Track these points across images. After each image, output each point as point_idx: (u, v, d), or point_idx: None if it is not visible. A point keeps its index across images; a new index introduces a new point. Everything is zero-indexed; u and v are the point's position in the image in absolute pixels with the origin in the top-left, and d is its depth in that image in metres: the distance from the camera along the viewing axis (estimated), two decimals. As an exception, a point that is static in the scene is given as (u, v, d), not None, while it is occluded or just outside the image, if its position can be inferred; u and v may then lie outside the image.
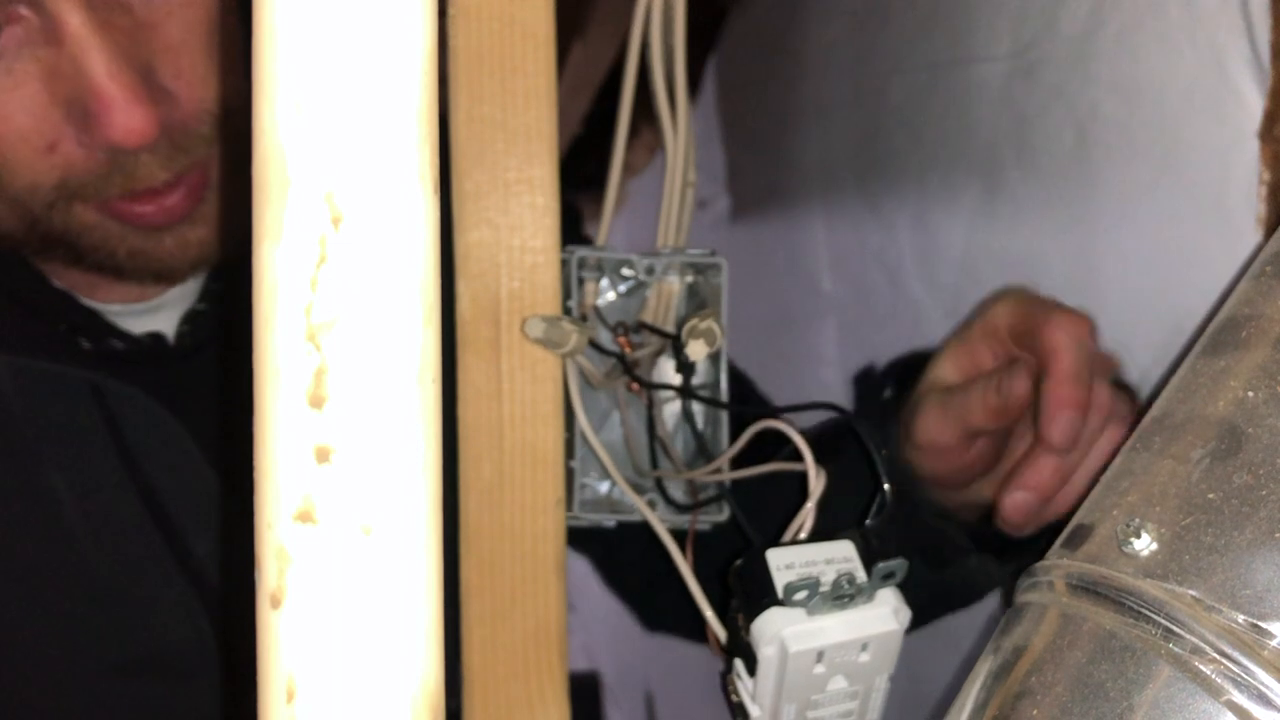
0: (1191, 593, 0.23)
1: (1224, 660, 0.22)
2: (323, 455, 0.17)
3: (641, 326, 0.40)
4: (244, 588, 0.48)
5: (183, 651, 0.43)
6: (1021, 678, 0.25)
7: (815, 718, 0.32)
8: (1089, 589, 0.24)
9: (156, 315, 0.46)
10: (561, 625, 0.39)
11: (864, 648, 0.31)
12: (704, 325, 0.38)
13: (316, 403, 0.17)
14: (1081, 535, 0.26)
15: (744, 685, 0.32)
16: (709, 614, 0.34)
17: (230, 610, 0.43)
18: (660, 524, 0.37)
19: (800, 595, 0.30)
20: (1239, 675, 0.22)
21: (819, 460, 0.34)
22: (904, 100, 0.61)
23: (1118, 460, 0.27)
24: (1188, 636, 0.22)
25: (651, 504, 0.42)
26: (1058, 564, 0.26)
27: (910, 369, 0.45)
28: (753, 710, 0.32)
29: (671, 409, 0.42)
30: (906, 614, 0.32)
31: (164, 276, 0.43)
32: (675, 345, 0.40)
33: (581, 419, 0.38)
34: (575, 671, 0.39)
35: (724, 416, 0.41)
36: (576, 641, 0.39)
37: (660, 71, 0.39)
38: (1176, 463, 0.25)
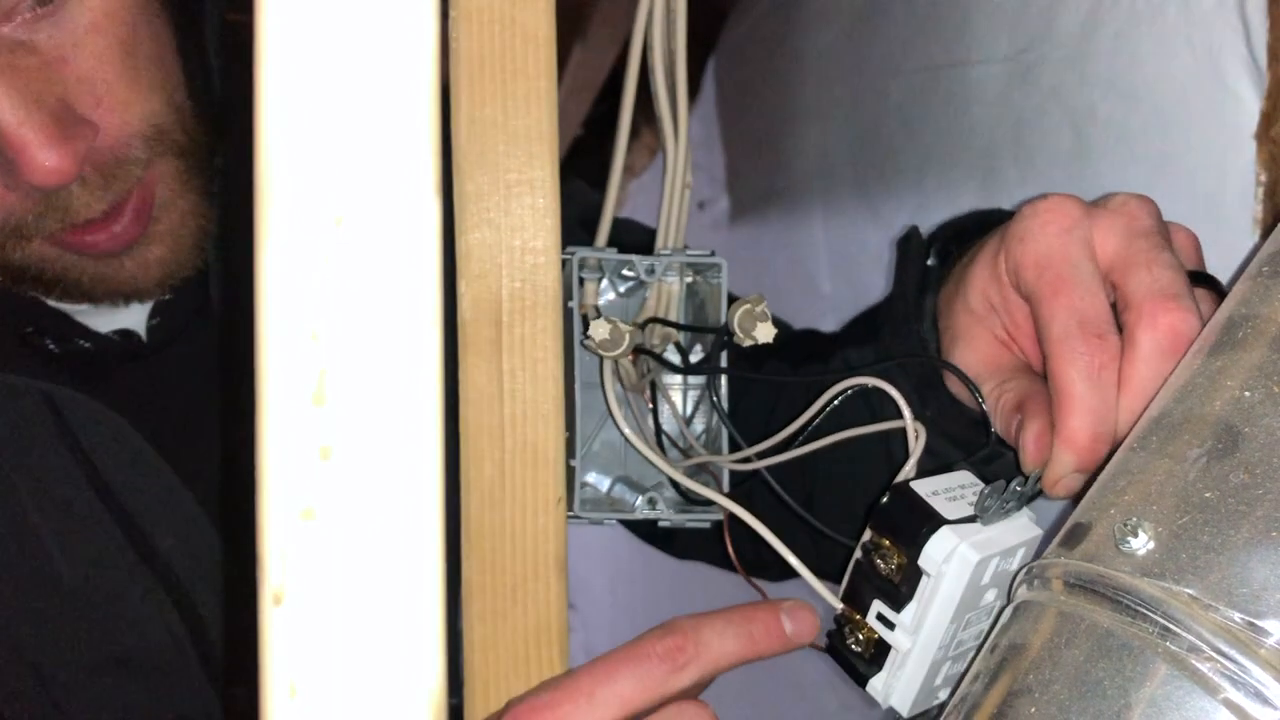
0: (1188, 591, 0.23)
1: (1221, 658, 0.22)
2: (325, 454, 0.17)
3: (682, 328, 0.41)
4: (211, 583, 0.47)
5: (156, 648, 0.42)
6: (1019, 676, 0.25)
7: (960, 640, 0.33)
8: (1086, 587, 0.24)
9: (126, 312, 0.46)
10: (562, 623, 0.39)
11: (1016, 556, 0.33)
12: (760, 308, 0.38)
13: (319, 401, 0.17)
14: (1079, 534, 0.26)
15: (886, 623, 0.33)
16: (816, 582, 0.35)
17: (202, 606, 0.43)
18: (733, 503, 0.37)
19: (990, 501, 0.32)
20: (1236, 673, 0.22)
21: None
22: (902, 102, 0.61)
23: (1115, 459, 0.27)
24: (1185, 635, 0.22)
25: (652, 501, 0.42)
26: (1055, 562, 0.26)
27: (960, 238, 0.40)
28: (902, 643, 0.32)
29: (675, 404, 0.42)
30: (1037, 520, 0.34)
31: (133, 296, 0.43)
32: (720, 337, 0.40)
33: (622, 423, 0.39)
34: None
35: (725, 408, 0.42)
36: (577, 640, 0.40)
37: (662, 73, 0.39)
38: (1173, 462, 0.25)
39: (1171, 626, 0.22)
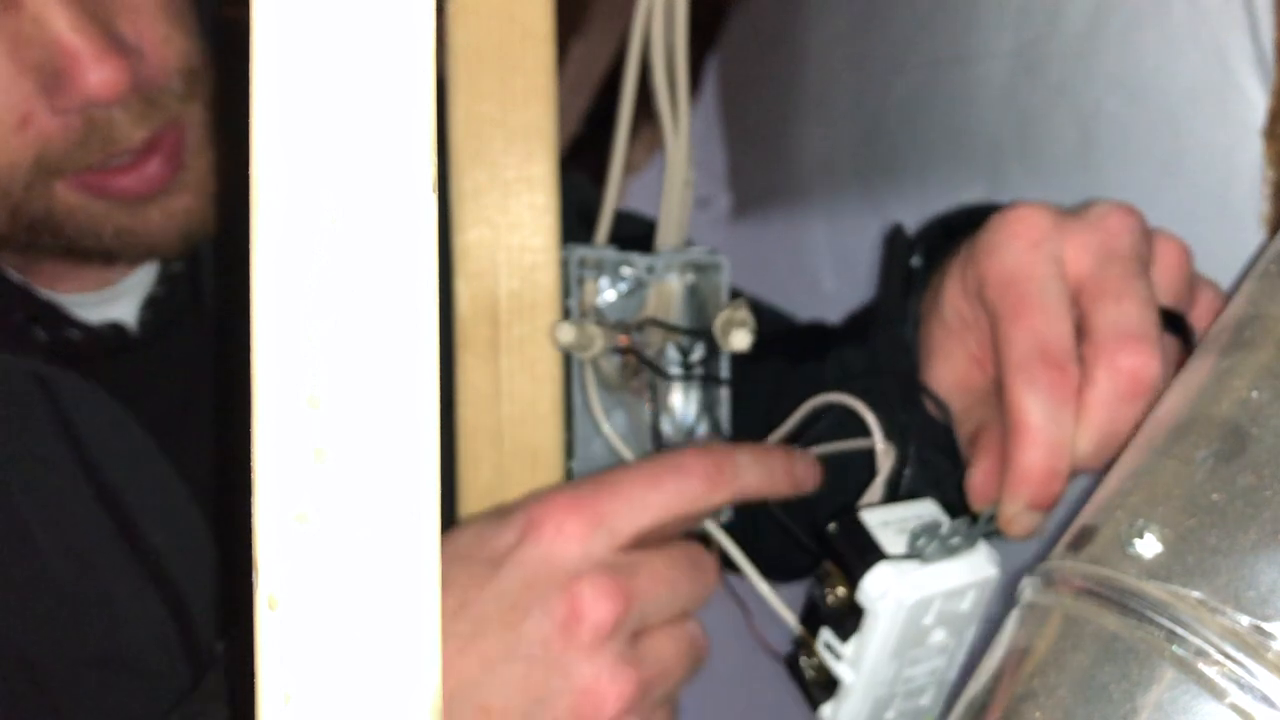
0: (1195, 594, 0.22)
1: (1228, 662, 0.22)
2: (320, 456, 0.17)
3: (675, 330, 0.40)
4: (202, 581, 0.46)
5: (145, 647, 0.42)
6: (1024, 680, 0.24)
7: (908, 676, 0.32)
8: (1093, 591, 0.24)
9: (116, 303, 0.45)
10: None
11: (965, 596, 0.32)
12: (740, 315, 0.38)
13: (314, 403, 0.17)
14: (1085, 537, 0.26)
15: (834, 653, 0.32)
16: (776, 601, 0.34)
17: (192, 605, 0.42)
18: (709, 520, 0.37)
19: (922, 541, 0.31)
20: (1242, 677, 0.21)
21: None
22: (906, 98, 0.61)
23: (1122, 461, 0.27)
24: (1192, 639, 0.22)
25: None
26: (1061, 565, 0.26)
27: (947, 235, 0.38)
28: (846, 676, 0.32)
29: (675, 407, 0.42)
30: (998, 559, 0.33)
31: (155, 253, 0.42)
32: (707, 340, 0.39)
33: (601, 420, 0.38)
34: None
35: (726, 415, 0.41)
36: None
37: (661, 69, 0.39)
38: (1180, 464, 0.25)
39: (1178, 630, 0.22)
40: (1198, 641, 0.22)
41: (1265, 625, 0.22)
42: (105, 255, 0.41)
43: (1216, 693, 0.22)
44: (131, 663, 0.41)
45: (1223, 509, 0.23)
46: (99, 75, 0.36)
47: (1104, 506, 0.26)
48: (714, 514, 0.39)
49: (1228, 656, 0.22)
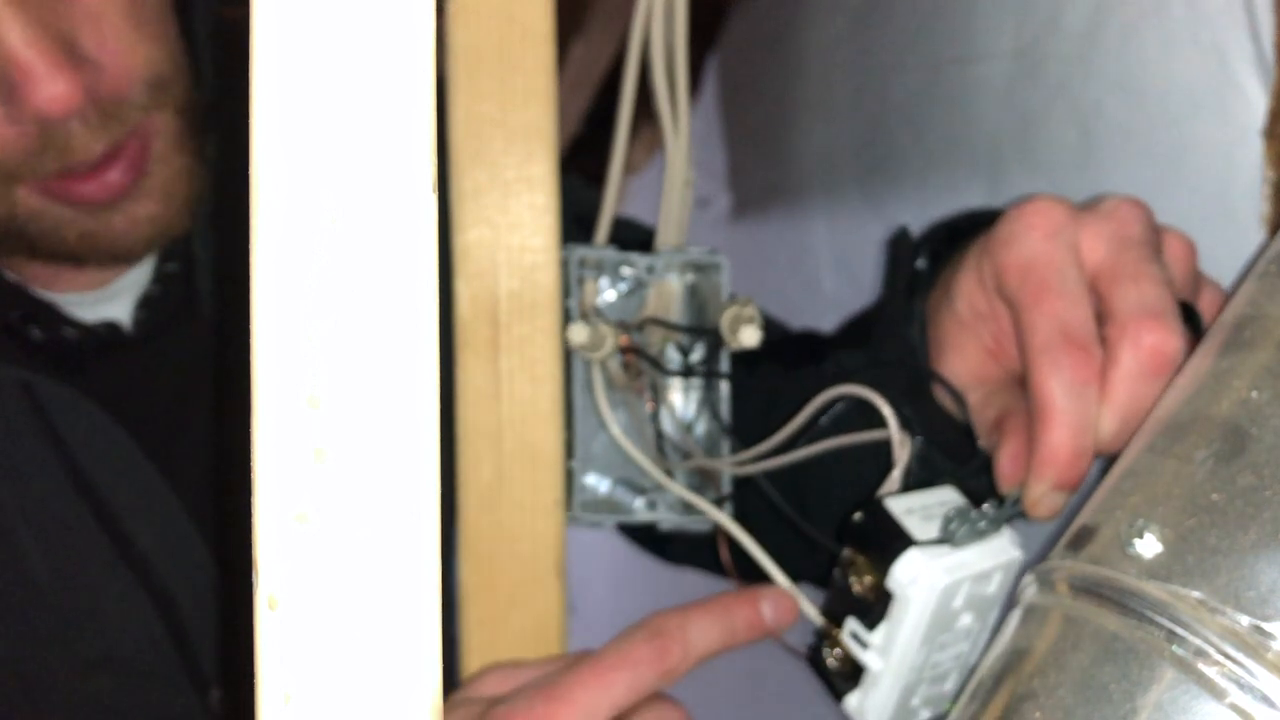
0: (1195, 594, 0.22)
1: (1228, 662, 0.22)
2: (320, 456, 0.17)
3: (676, 329, 0.40)
4: (191, 582, 0.46)
5: (135, 650, 0.42)
6: (1024, 680, 0.24)
7: (935, 662, 0.33)
8: (1092, 591, 0.24)
9: (111, 303, 0.45)
10: (561, 628, 0.39)
11: (992, 579, 0.32)
12: (747, 311, 0.38)
13: (314, 403, 0.17)
14: (1085, 536, 0.26)
15: (860, 642, 0.32)
16: (797, 595, 0.35)
17: (182, 607, 0.42)
18: (720, 513, 0.37)
19: (954, 524, 0.31)
20: (1242, 677, 0.21)
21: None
22: (906, 98, 0.61)
23: (1122, 461, 0.27)
24: (1191, 639, 0.22)
25: (652, 504, 0.42)
26: (1061, 565, 0.26)
27: (951, 238, 0.39)
28: (874, 664, 0.32)
29: (675, 405, 0.42)
30: (1020, 541, 0.33)
31: (121, 257, 0.42)
32: (707, 339, 0.39)
33: (610, 421, 0.38)
34: (576, 673, 0.39)
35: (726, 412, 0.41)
36: (578, 645, 0.39)
37: (661, 69, 0.39)
38: (1180, 464, 0.25)
39: (1178, 630, 0.22)
40: (1198, 641, 0.22)
41: (1265, 625, 0.22)
42: (71, 258, 0.41)
43: (1216, 693, 0.22)
44: (123, 665, 0.41)
45: (1223, 509, 0.23)
46: (50, 91, 0.36)
47: (1103, 506, 0.26)
48: (721, 506, 0.40)
49: (1228, 656, 0.22)
